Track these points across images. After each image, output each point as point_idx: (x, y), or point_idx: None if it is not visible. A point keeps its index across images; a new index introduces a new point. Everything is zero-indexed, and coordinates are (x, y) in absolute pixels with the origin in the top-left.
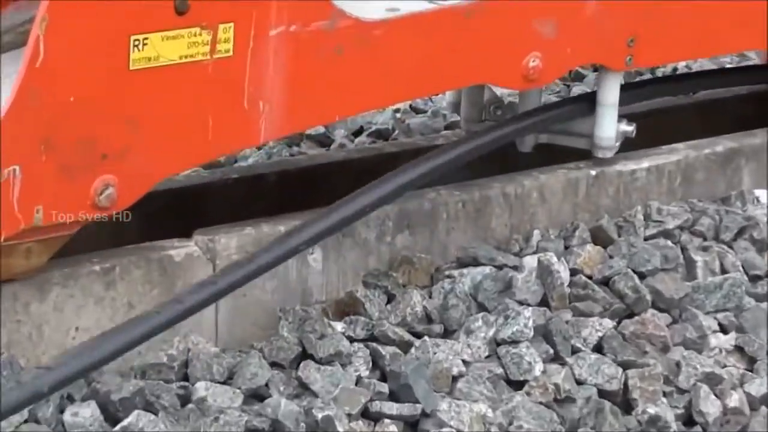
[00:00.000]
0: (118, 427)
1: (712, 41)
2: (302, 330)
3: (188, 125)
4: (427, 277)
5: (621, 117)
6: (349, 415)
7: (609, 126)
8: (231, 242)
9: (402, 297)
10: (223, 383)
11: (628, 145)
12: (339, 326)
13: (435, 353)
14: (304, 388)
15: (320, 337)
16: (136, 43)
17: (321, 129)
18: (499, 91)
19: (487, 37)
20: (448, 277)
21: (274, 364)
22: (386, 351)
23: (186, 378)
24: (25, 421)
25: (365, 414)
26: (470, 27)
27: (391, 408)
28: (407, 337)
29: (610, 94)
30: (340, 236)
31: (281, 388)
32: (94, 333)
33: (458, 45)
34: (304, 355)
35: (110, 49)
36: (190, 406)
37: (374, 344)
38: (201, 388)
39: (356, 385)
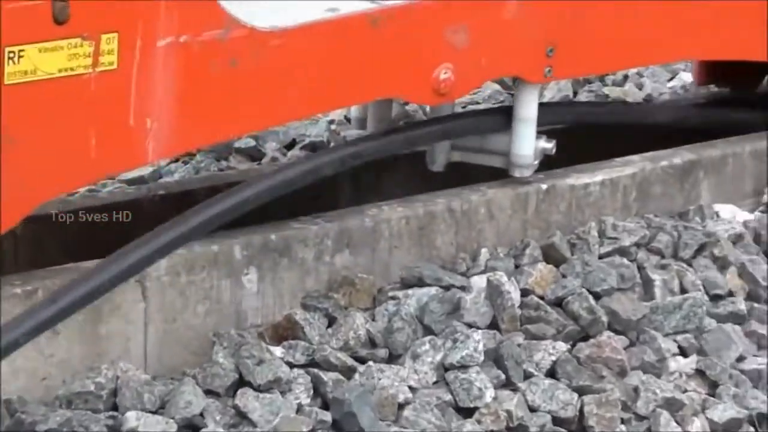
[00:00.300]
0: None
1: (641, 50)
2: (239, 355)
3: (69, 144)
4: (370, 298)
5: (540, 133)
6: None
7: (527, 143)
8: (161, 263)
9: (344, 320)
10: (155, 413)
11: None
12: (278, 351)
13: (380, 379)
14: (241, 417)
15: (258, 363)
16: (11, 55)
17: (251, 142)
18: (409, 106)
19: (394, 47)
20: (392, 298)
21: (208, 392)
22: (328, 377)
23: (115, 407)
24: None
25: None
26: (376, 36)
27: None
28: (350, 362)
29: (529, 108)
30: (277, 256)
31: (217, 418)
32: (15, 360)
33: (363, 56)
34: (241, 382)
35: None
36: None
37: (315, 370)
38: (132, 418)
39: (297, 413)
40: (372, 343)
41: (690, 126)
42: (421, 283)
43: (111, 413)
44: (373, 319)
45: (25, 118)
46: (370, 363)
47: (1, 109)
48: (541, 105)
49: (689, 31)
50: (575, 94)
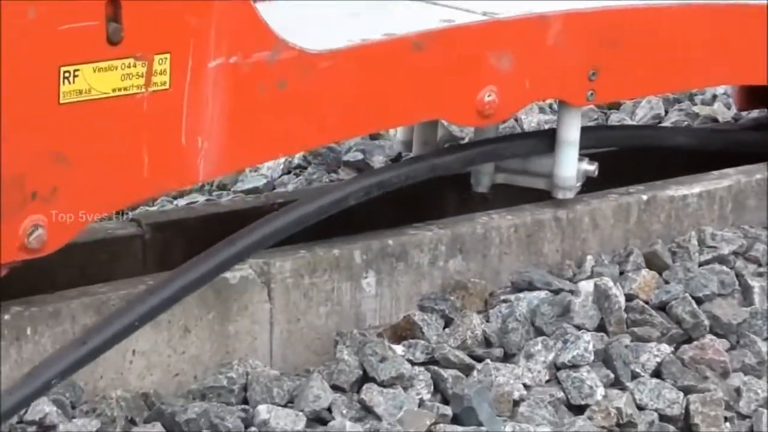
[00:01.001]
0: None
1: (682, 75)
2: (363, 353)
3: (122, 162)
4: (481, 302)
5: (582, 156)
6: None
7: (569, 165)
8: (286, 265)
9: (461, 320)
10: (284, 406)
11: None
12: (399, 349)
13: (496, 377)
14: (367, 411)
15: (381, 360)
16: (67, 74)
17: (359, 155)
18: (454, 128)
19: (439, 70)
20: (504, 301)
21: (334, 387)
22: (448, 374)
23: (245, 401)
24: None
25: None
26: (421, 59)
27: (455, 431)
28: (468, 360)
29: (571, 131)
30: (394, 260)
31: (344, 411)
32: (150, 357)
33: (408, 78)
34: (365, 378)
35: (39, 82)
36: (252, 429)
37: (435, 367)
38: (263, 411)
39: (419, 407)
40: (487, 342)
41: (712, 150)
42: (531, 287)
43: (243, 406)
44: (488, 321)
45: (79, 137)
46: (488, 361)
47: (56, 129)
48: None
49: (731, 56)
50: (666, 113)
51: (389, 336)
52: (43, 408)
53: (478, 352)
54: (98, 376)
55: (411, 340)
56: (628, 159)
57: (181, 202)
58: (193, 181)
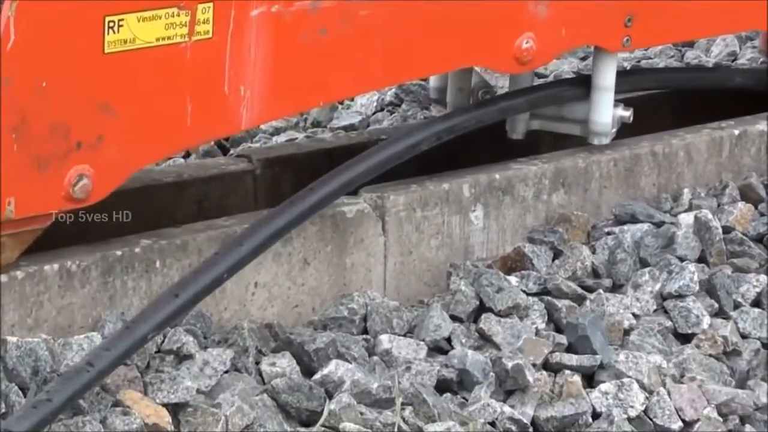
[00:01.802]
0: (318, 375)
1: (715, 20)
2: (479, 284)
3: (166, 111)
4: (584, 234)
5: (617, 102)
6: (533, 365)
7: (605, 111)
8: (399, 199)
9: (570, 252)
10: (404, 336)
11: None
12: (513, 280)
13: (607, 306)
14: (485, 340)
15: (497, 291)
16: (111, 24)
17: None
18: (487, 75)
19: (477, 17)
20: (608, 233)
21: (452, 318)
22: (561, 304)
23: (365, 331)
24: (227, 371)
25: (545, 365)
26: (460, 6)
27: (571, 359)
28: (579, 290)
29: (607, 77)
30: (501, 194)
31: (463, 340)
32: (271, 289)
33: (447, 25)
34: (481, 308)
35: (84, 32)
36: (374, 358)
37: (548, 298)
38: (385, 341)
39: (535, 336)
40: (595, 273)
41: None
42: (634, 219)
43: (364, 336)
44: (593, 252)
45: (124, 87)
46: (599, 291)
47: (101, 78)
48: (621, 72)
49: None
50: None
51: (499, 267)
52: (180, 338)
53: (587, 282)
54: (222, 307)
55: (522, 272)
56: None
57: (280, 138)
58: (236, 129)
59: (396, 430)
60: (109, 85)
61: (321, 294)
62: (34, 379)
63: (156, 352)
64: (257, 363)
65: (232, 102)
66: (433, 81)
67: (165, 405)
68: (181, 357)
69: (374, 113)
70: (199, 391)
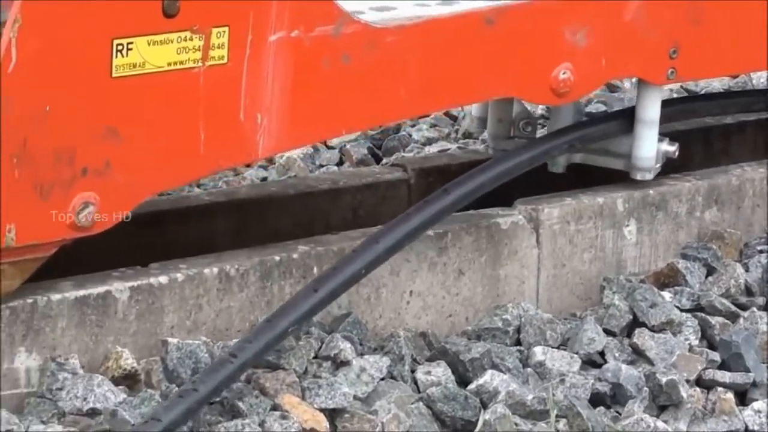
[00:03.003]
0: (473, 385)
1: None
2: (632, 298)
3: (177, 138)
4: (737, 252)
5: (662, 136)
6: (686, 381)
7: (649, 145)
8: (553, 212)
9: (724, 269)
10: (557, 348)
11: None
12: (666, 296)
13: (760, 324)
14: (638, 355)
15: (651, 306)
16: (120, 47)
17: (601, 107)
18: (530, 105)
19: (512, 46)
20: (761, 251)
21: (605, 331)
22: (715, 321)
23: (518, 342)
24: (383, 379)
25: (698, 381)
26: (493, 35)
27: (724, 376)
28: (733, 308)
29: (650, 110)
30: (654, 209)
31: (616, 354)
32: (426, 298)
33: (479, 55)
34: (635, 323)
35: (90, 54)
36: (528, 369)
37: (701, 314)
38: (539, 353)
39: (689, 352)
40: (748, 291)
41: None
42: None
43: (517, 347)
44: (747, 270)
45: (133, 112)
46: (753, 309)
47: (109, 103)
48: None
49: None
50: None
51: (652, 282)
52: (338, 344)
53: (741, 300)
54: (377, 315)
55: (676, 287)
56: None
57: (432, 148)
58: (252, 158)
59: None
60: (117, 110)
61: (474, 304)
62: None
63: (314, 358)
64: (412, 371)
65: (248, 130)
66: (474, 110)
67: (322, 410)
68: (339, 363)
69: None
70: (356, 398)
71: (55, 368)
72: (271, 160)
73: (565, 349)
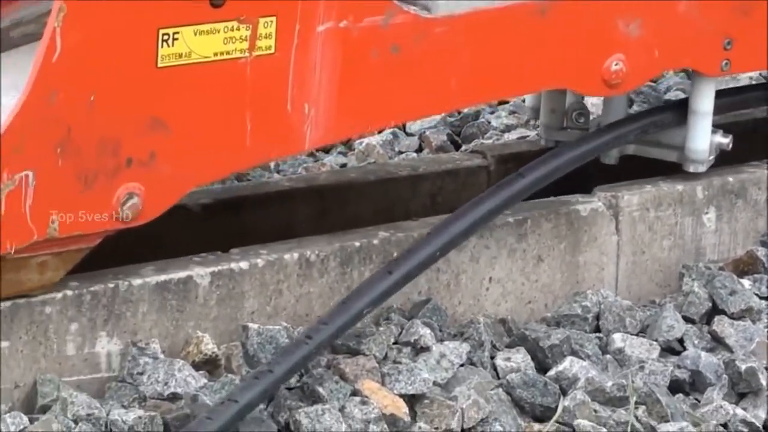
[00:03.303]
0: (552, 372)
1: None
2: (712, 286)
3: (223, 129)
4: None
5: (716, 128)
6: (766, 369)
7: (702, 137)
8: (633, 199)
9: None
10: (636, 335)
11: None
12: (746, 283)
13: None
14: (717, 342)
15: (731, 293)
16: (166, 37)
17: (681, 95)
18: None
19: (564, 37)
20: None
21: (685, 318)
22: None
23: (597, 329)
24: (462, 365)
25: None
26: (545, 25)
27: None
28: None
29: (704, 102)
30: (734, 197)
31: (695, 342)
32: (505, 284)
33: (530, 45)
34: (714, 310)
35: (136, 44)
36: (607, 356)
37: None
38: (618, 339)
39: None
40: None
41: None
42: None
43: (596, 334)
44: None
45: (179, 102)
46: None
47: (154, 93)
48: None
49: None
50: None
51: (731, 270)
52: (418, 330)
53: None
54: (457, 301)
55: (755, 275)
56: None
57: (511, 135)
58: (299, 149)
59: (629, 428)
60: (162, 101)
61: (553, 291)
62: None
63: (393, 344)
64: (492, 357)
65: (295, 121)
66: (528, 101)
67: (402, 396)
68: (418, 349)
69: None
70: (435, 383)
71: (136, 353)
72: (350, 147)
73: (644, 336)
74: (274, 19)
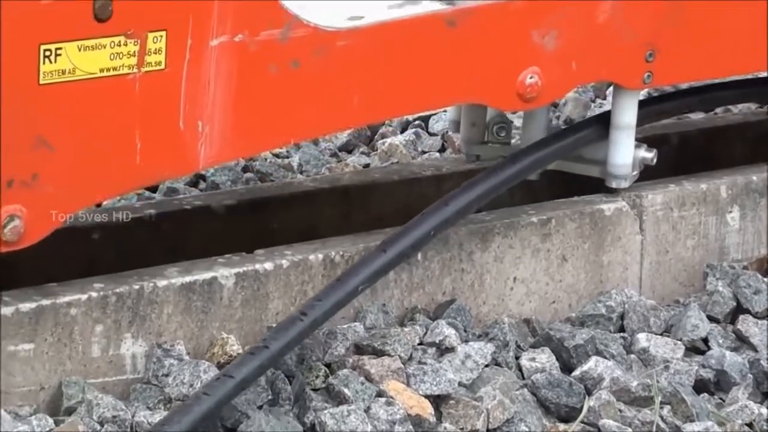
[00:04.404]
0: (577, 372)
1: (752, 55)
2: (736, 285)
3: (112, 148)
4: None
5: (640, 142)
6: None
7: (625, 152)
8: (657, 198)
9: None
10: (660, 335)
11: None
12: None
13: None
14: (742, 341)
15: (755, 292)
16: (48, 53)
17: None
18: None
19: (475, 49)
20: None
21: (709, 318)
22: None
23: (622, 329)
24: (487, 365)
25: None
26: (454, 37)
27: None
28: None
29: (626, 115)
30: (758, 196)
31: (720, 341)
32: (529, 285)
33: (439, 58)
34: (738, 309)
35: (16, 60)
36: (632, 356)
37: None
38: (642, 339)
39: None
40: None
41: None
42: None
43: (621, 334)
44: None
45: (63, 120)
46: None
47: (36, 111)
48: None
49: None
50: None
51: (755, 269)
52: (443, 330)
53: None
54: (481, 301)
55: None
56: None
57: None
58: (193, 168)
59: (654, 428)
60: (45, 119)
61: (578, 291)
62: (300, 367)
63: (418, 344)
64: (517, 357)
65: (188, 139)
66: (449, 113)
67: (427, 396)
68: (443, 350)
69: None
70: (460, 384)
71: (161, 354)
72: (372, 147)
73: (668, 336)
74: (164, 33)
